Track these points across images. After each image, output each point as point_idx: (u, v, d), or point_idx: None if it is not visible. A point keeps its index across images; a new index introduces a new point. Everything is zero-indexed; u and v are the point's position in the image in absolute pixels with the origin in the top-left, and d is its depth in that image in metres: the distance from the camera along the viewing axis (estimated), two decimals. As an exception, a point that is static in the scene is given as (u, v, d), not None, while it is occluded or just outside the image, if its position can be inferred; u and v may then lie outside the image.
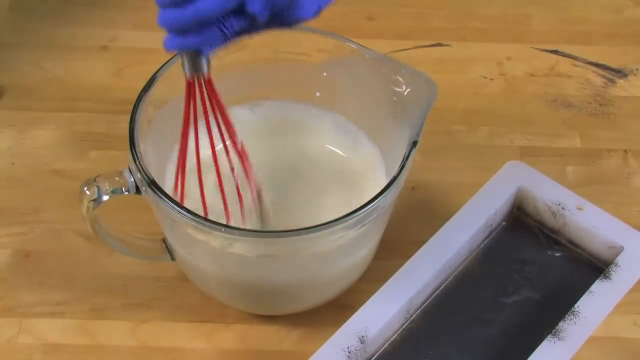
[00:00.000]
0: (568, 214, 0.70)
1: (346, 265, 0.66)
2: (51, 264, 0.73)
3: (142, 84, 0.64)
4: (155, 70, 0.65)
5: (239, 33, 0.53)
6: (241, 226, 0.65)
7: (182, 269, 0.70)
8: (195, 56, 0.55)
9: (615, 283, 0.65)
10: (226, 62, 0.65)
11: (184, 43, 0.53)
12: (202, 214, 0.61)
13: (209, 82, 0.58)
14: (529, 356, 0.61)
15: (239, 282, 0.66)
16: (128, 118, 0.62)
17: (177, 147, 0.69)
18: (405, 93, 0.64)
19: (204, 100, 0.58)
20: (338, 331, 0.62)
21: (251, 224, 0.66)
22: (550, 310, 0.67)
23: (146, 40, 0.88)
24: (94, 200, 0.61)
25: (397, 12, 0.94)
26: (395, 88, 0.65)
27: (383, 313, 0.64)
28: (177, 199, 0.62)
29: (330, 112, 0.73)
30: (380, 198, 0.59)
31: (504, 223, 0.73)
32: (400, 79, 0.65)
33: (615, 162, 0.81)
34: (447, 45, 0.91)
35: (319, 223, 0.58)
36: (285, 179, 0.71)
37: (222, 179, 0.63)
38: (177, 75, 0.63)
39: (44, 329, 0.69)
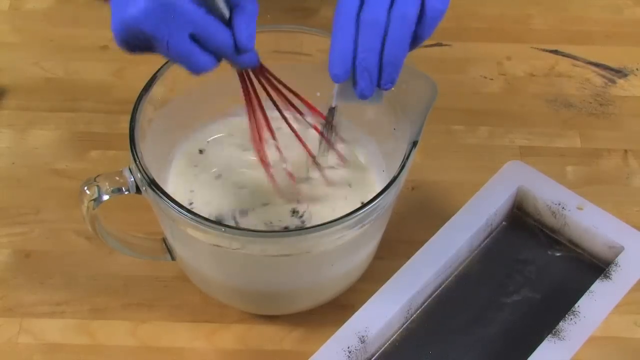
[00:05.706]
0: (568, 213, 0.70)
1: (346, 265, 0.66)
2: (51, 264, 0.73)
3: (142, 84, 0.64)
4: (155, 70, 0.64)
5: None
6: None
7: (183, 269, 0.70)
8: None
9: (616, 283, 0.65)
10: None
11: None
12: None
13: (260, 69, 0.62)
14: (529, 356, 0.61)
15: (239, 281, 0.66)
16: (128, 118, 0.62)
17: (177, 147, 0.70)
18: (406, 93, 0.64)
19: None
20: (338, 331, 0.62)
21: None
22: (551, 310, 0.67)
23: (146, 40, 0.88)
24: (94, 199, 0.61)
25: (397, 12, 0.94)
26: (395, 88, 0.65)
27: (383, 313, 0.64)
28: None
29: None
30: (380, 198, 0.59)
31: (504, 223, 0.73)
32: (401, 79, 0.65)
33: (615, 162, 0.81)
34: (447, 45, 0.91)
35: (319, 223, 0.58)
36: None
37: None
38: (177, 75, 0.64)
39: (44, 328, 0.69)
